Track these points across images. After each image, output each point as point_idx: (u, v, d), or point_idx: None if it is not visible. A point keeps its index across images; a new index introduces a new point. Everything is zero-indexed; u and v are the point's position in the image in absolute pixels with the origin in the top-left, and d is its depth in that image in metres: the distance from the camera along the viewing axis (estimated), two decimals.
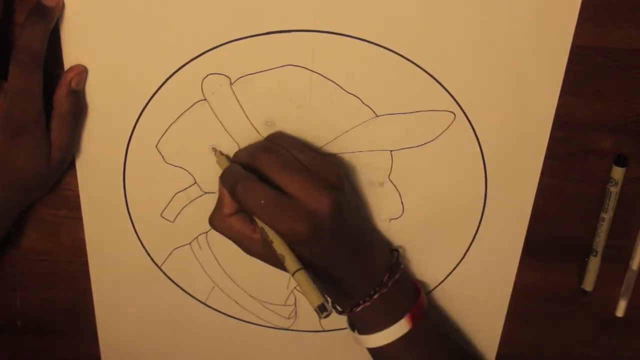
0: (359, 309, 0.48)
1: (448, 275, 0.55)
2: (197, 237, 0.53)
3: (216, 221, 0.46)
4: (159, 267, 0.54)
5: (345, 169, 0.49)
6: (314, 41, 0.45)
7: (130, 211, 0.52)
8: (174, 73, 0.46)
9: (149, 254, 0.54)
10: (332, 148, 0.49)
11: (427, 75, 0.46)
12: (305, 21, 0.44)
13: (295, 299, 0.56)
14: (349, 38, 0.45)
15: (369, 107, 0.47)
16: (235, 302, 0.56)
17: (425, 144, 0.49)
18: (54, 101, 0.44)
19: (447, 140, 0.48)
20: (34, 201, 0.51)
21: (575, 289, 0.55)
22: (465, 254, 0.53)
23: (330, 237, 0.44)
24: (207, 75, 0.46)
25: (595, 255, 0.53)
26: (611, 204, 0.50)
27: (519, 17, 0.44)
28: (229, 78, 0.46)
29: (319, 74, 0.46)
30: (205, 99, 0.47)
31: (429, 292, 0.55)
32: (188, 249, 0.53)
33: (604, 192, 0.51)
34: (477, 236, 0.53)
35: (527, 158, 0.49)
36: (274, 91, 0.47)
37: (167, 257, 0.54)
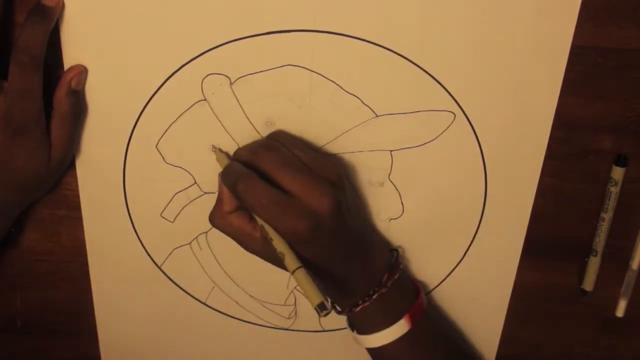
0: (358, 308, 0.48)
1: (448, 275, 0.55)
2: (197, 237, 0.53)
3: (216, 218, 0.46)
4: (159, 267, 0.54)
5: (345, 169, 0.49)
6: (314, 41, 0.45)
7: (130, 211, 0.52)
8: (174, 73, 0.46)
9: (149, 254, 0.54)
10: (332, 148, 0.49)
11: (427, 75, 0.46)
12: (305, 21, 0.44)
13: (295, 298, 0.56)
14: (349, 38, 0.45)
15: (369, 107, 0.47)
16: (235, 302, 0.56)
17: (425, 144, 0.49)
18: (54, 101, 0.44)
19: (447, 140, 0.48)
20: (34, 201, 0.51)
21: (575, 289, 0.55)
22: (465, 254, 0.53)
23: (330, 236, 0.44)
24: (207, 75, 0.46)
25: (595, 255, 0.53)
26: (611, 204, 0.50)
27: (518, 17, 0.44)
28: (229, 78, 0.46)
29: (319, 74, 0.46)
30: (205, 99, 0.47)
31: (428, 292, 0.55)
32: (188, 249, 0.53)
33: (604, 192, 0.51)
34: (477, 236, 0.53)
35: (527, 158, 0.49)
36: (274, 91, 0.47)
37: (167, 257, 0.54)
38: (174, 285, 0.55)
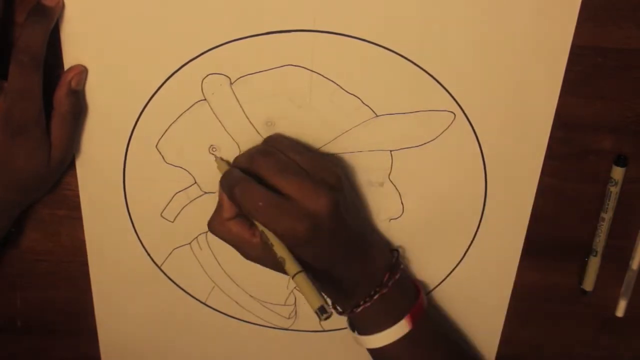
0: (359, 309, 0.48)
1: (448, 275, 0.55)
2: (197, 237, 0.53)
3: (215, 225, 0.46)
4: (159, 267, 0.54)
5: (344, 169, 0.49)
6: (314, 41, 0.45)
7: (130, 211, 0.52)
8: (174, 73, 0.46)
9: (149, 254, 0.54)
10: (332, 148, 0.49)
11: (427, 75, 0.46)
12: (305, 21, 0.44)
13: (295, 299, 0.56)
14: (349, 38, 0.45)
15: (369, 107, 0.47)
16: (235, 302, 0.56)
17: (425, 144, 0.49)
18: (54, 101, 0.44)
19: (447, 140, 0.48)
20: (34, 201, 0.51)
21: (575, 289, 0.55)
22: (465, 254, 0.53)
23: (330, 237, 0.44)
24: (207, 75, 0.46)
25: (595, 255, 0.53)
26: (611, 204, 0.50)
27: (518, 17, 0.44)
28: (229, 78, 0.46)
29: (319, 74, 0.46)
30: (205, 99, 0.47)
31: (429, 292, 0.55)
32: (188, 249, 0.53)
33: (604, 192, 0.51)
34: (477, 236, 0.53)
35: (527, 158, 0.49)
36: (274, 91, 0.47)
37: (167, 257, 0.54)
38: (174, 285, 0.55)
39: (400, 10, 0.44)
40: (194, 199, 0.51)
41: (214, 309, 0.56)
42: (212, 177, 0.49)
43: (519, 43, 0.45)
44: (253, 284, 0.55)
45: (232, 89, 0.47)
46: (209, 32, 0.44)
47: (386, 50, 0.45)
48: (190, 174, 0.50)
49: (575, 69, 0.46)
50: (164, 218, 0.52)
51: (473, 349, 0.58)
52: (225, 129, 0.48)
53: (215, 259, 0.54)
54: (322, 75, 0.46)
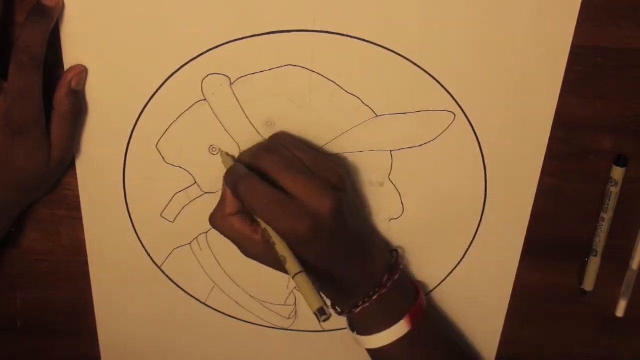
0: (358, 309, 0.48)
1: (448, 276, 0.55)
2: (197, 237, 0.53)
3: (217, 220, 0.46)
4: (159, 267, 0.54)
5: (347, 169, 0.49)
6: (314, 41, 0.45)
7: (130, 211, 0.52)
8: (174, 73, 0.46)
9: (149, 254, 0.54)
10: (332, 148, 0.49)
11: (427, 75, 0.46)
12: (305, 21, 0.44)
13: (295, 299, 0.56)
14: (349, 38, 0.45)
15: (369, 107, 0.47)
16: (235, 302, 0.56)
17: (425, 144, 0.49)
18: (54, 101, 0.44)
19: (447, 140, 0.48)
20: (34, 201, 0.51)
21: (575, 289, 0.55)
22: (465, 254, 0.53)
23: (330, 237, 0.44)
24: (207, 75, 0.46)
25: (595, 255, 0.53)
26: (611, 204, 0.50)
27: (518, 18, 0.44)
28: (229, 78, 0.46)
29: (319, 74, 0.46)
30: (205, 99, 0.47)
31: (428, 293, 0.55)
32: (188, 249, 0.53)
33: (604, 192, 0.51)
34: (477, 236, 0.52)
35: (527, 158, 0.49)
36: (274, 91, 0.47)
37: (167, 257, 0.54)
38: (174, 285, 0.55)
39: (400, 10, 0.44)
40: (194, 199, 0.51)
41: (214, 309, 0.56)
42: (212, 177, 0.49)
43: (519, 43, 0.45)
44: (253, 284, 0.55)
45: (232, 89, 0.47)
46: (209, 32, 0.44)
47: (386, 50, 0.45)
48: (190, 174, 0.50)
49: (575, 69, 0.46)
50: (164, 218, 0.52)
51: (473, 349, 0.58)
52: (225, 129, 0.48)
53: (215, 259, 0.54)
54: (322, 75, 0.46)
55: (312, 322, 0.57)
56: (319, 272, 0.45)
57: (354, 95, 0.47)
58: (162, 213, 0.52)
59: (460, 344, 0.57)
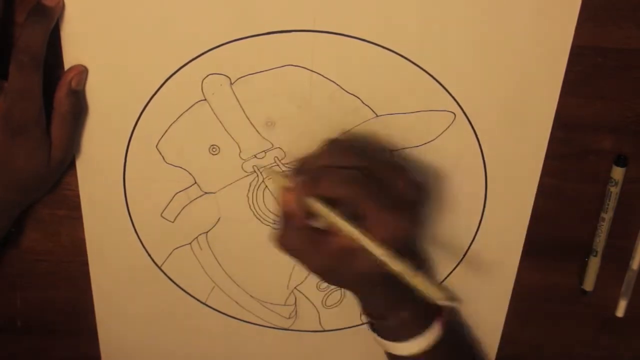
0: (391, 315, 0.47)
1: (448, 276, 0.55)
2: (197, 237, 0.53)
3: (288, 239, 0.42)
4: (159, 267, 0.54)
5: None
6: (314, 41, 0.45)
7: (130, 211, 0.52)
8: (174, 73, 0.46)
9: (149, 254, 0.54)
10: None
11: (427, 75, 0.46)
12: (305, 21, 0.44)
13: (295, 299, 0.56)
14: (349, 38, 0.45)
15: (369, 107, 0.47)
16: (235, 302, 0.56)
17: (425, 144, 0.49)
18: (54, 101, 0.44)
19: (447, 140, 0.48)
20: (34, 201, 0.51)
21: (575, 289, 0.55)
22: (465, 254, 0.53)
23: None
24: (207, 75, 0.46)
25: (595, 255, 0.53)
26: (611, 204, 0.50)
27: (519, 18, 0.44)
28: (229, 78, 0.46)
29: (319, 74, 0.46)
30: (205, 99, 0.47)
31: None
32: (188, 249, 0.53)
33: (604, 192, 0.51)
34: (477, 236, 0.53)
35: (527, 158, 0.49)
36: (274, 91, 0.47)
37: (167, 257, 0.54)
38: (174, 285, 0.55)
39: (400, 10, 0.44)
40: (194, 199, 0.51)
41: (214, 309, 0.56)
42: (212, 177, 0.49)
43: (519, 43, 0.45)
44: (253, 284, 0.55)
45: (232, 89, 0.47)
46: (209, 32, 0.44)
47: (386, 50, 0.45)
48: (190, 174, 0.50)
49: (575, 69, 0.46)
50: (164, 218, 0.52)
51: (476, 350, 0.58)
52: (225, 129, 0.48)
53: (216, 259, 0.54)
54: (322, 75, 0.46)
55: (312, 322, 0.57)
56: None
57: (354, 95, 0.47)
58: (162, 213, 0.52)
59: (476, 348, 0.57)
